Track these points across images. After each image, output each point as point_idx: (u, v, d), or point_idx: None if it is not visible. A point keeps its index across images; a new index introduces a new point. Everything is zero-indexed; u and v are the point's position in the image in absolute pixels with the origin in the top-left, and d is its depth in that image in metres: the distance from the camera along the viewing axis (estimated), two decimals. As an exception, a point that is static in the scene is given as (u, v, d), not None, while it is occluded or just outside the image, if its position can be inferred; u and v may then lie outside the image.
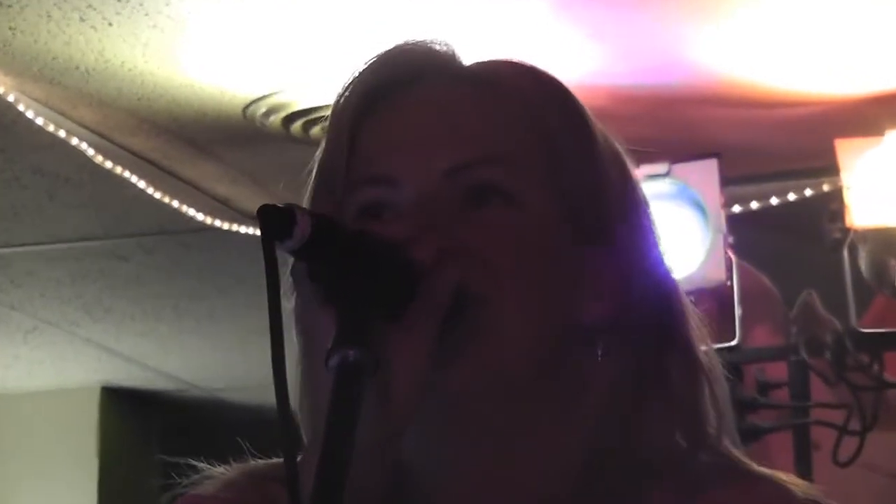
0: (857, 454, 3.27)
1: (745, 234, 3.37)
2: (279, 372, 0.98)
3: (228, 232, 4.01)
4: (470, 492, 1.11)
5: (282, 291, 1.01)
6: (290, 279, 1.07)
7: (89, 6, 3.03)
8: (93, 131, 3.63)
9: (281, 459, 0.98)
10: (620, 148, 1.18)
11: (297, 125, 3.55)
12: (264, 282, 0.99)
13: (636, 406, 1.13)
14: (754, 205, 3.59)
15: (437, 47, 1.17)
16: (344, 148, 1.14)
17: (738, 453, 1.16)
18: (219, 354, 5.54)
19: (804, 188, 3.56)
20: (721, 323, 3.15)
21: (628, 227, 1.15)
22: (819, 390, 3.37)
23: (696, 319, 1.17)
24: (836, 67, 3.31)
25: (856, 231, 3.32)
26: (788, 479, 1.14)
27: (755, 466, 1.15)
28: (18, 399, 5.93)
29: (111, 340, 5.33)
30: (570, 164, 1.14)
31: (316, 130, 3.54)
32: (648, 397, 1.13)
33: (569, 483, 1.12)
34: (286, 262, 1.04)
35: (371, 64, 1.16)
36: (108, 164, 3.70)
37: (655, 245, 1.17)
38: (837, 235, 3.33)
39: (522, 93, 1.15)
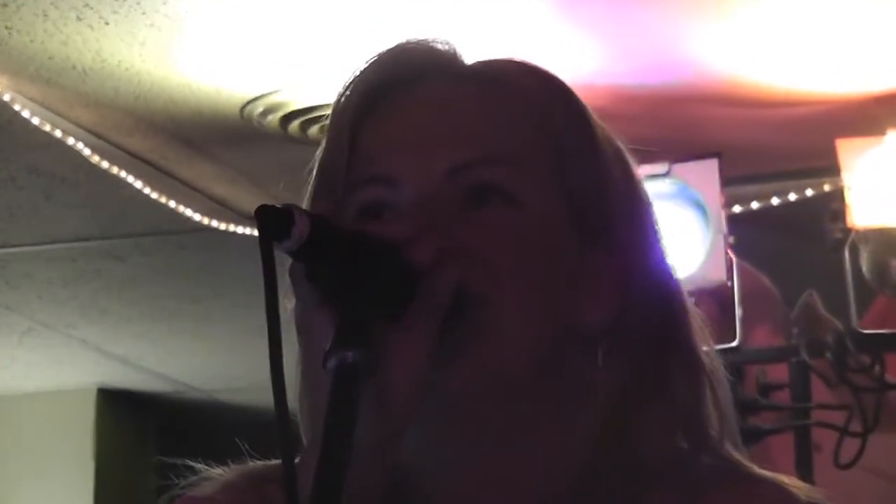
0: (859, 456, 3.26)
1: (745, 234, 3.37)
2: (277, 373, 0.98)
3: (226, 232, 4.00)
4: (470, 492, 1.11)
5: (280, 292, 1.00)
6: (289, 280, 1.06)
7: (86, 5, 3.02)
8: (89, 131, 3.63)
9: (280, 461, 0.98)
10: (623, 148, 1.18)
11: (294, 125, 3.55)
12: (262, 283, 0.98)
13: (637, 408, 1.12)
14: (755, 205, 3.59)
15: (439, 46, 1.17)
16: (344, 147, 1.14)
17: (739, 456, 1.15)
18: (216, 356, 5.55)
19: (805, 188, 3.56)
20: (721, 324, 3.15)
21: (631, 229, 1.15)
22: (820, 391, 3.37)
23: (698, 321, 1.16)
24: (837, 67, 3.31)
25: (857, 231, 3.32)
26: (791, 482, 1.14)
27: (757, 469, 1.14)
28: (14, 401, 5.94)
29: (107, 342, 5.33)
30: (574, 164, 1.14)
31: (314, 130, 3.54)
32: (650, 400, 1.13)
33: (569, 483, 1.11)
34: (284, 262, 1.04)
35: (372, 63, 1.16)
36: (105, 165, 3.70)
37: (658, 246, 1.17)
38: (838, 235, 3.33)
39: (526, 92, 1.15)
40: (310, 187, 1.16)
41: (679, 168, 3.23)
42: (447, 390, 1.06)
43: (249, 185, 3.95)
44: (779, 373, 3.41)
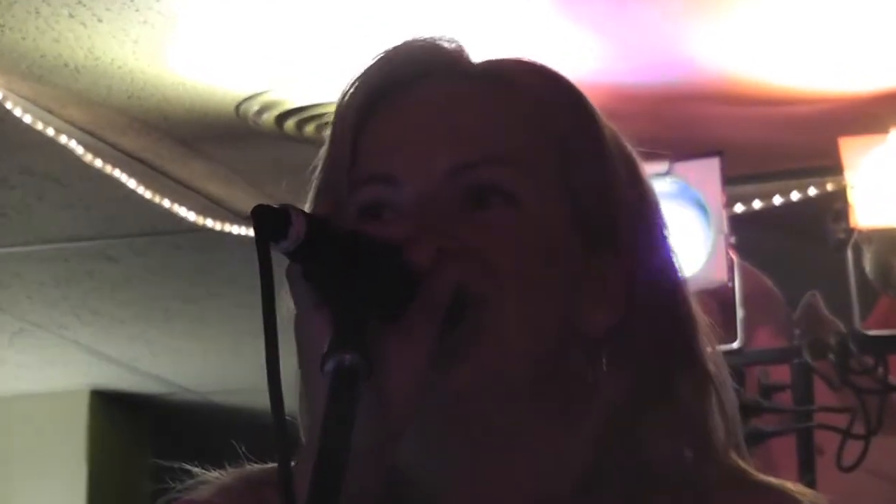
0: (862, 459, 3.24)
1: (747, 234, 3.37)
2: (273, 375, 0.98)
3: (221, 232, 4.00)
4: (470, 492, 1.11)
5: (276, 293, 1.00)
6: (286, 281, 1.06)
7: (78, 2, 3.02)
8: (82, 130, 3.62)
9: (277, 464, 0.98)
10: (632, 150, 1.18)
11: (290, 123, 3.54)
12: (258, 283, 0.98)
13: (642, 411, 1.12)
14: (757, 204, 3.59)
15: (445, 44, 1.17)
16: (347, 147, 1.14)
17: (745, 464, 1.15)
18: (211, 357, 5.55)
19: (808, 187, 3.56)
20: (723, 325, 3.12)
21: (637, 231, 1.15)
22: (822, 393, 3.35)
23: (704, 324, 1.16)
24: (840, 64, 3.30)
25: (860, 231, 3.31)
26: (796, 488, 1.14)
27: (763, 477, 1.15)
28: (5, 403, 5.94)
29: (100, 343, 5.34)
30: (579, 165, 1.13)
31: (310, 128, 3.54)
32: (655, 403, 1.13)
33: (572, 485, 1.11)
34: (282, 263, 1.03)
35: (377, 61, 1.17)
36: (98, 164, 3.69)
37: (665, 248, 1.17)
38: (841, 236, 3.33)
39: (532, 92, 1.15)
40: (313, 187, 1.17)
41: (680, 167, 3.22)
42: (447, 391, 1.06)
43: (245, 185, 3.95)
44: (781, 374, 3.39)
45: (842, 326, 3.33)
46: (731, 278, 3.23)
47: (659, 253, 1.16)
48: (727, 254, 3.22)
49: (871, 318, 3.40)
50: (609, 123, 1.17)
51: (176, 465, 1.18)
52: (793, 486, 1.14)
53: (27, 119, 3.50)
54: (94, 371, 5.66)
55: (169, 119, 3.57)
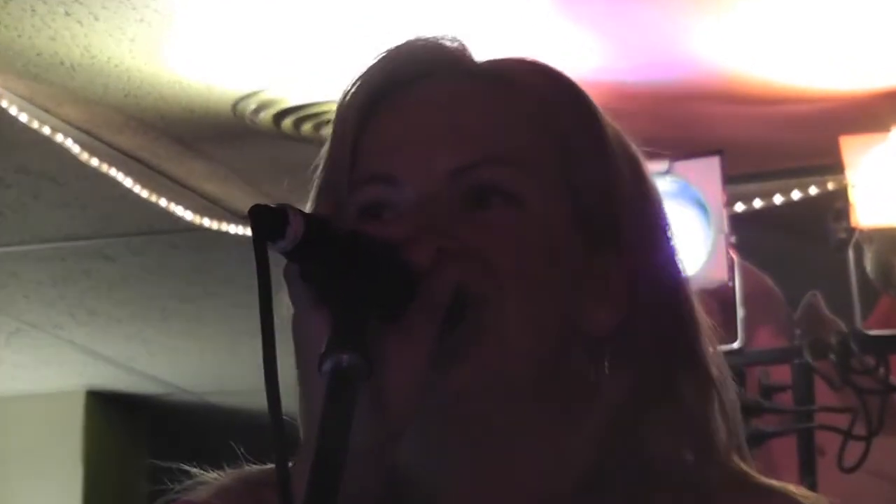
0: (863, 459, 3.24)
1: (747, 233, 3.37)
2: (271, 375, 0.98)
3: (218, 232, 4.01)
4: (470, 493, 1.11)
5: (274, 293, 1.00)
6: (284, 280, 1.06)
7: (75, 0, 3.01)
8: (78, 129, 3.62)
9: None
10: (635, 148, 1.18)
11: (287, 122, 3.54)
12: (255, 283, 0.98)
13: (644, 415, 1.12)
14: (757, 203, 3.59)
15: (447, 43, 1.18)
16: (347, 147, 1.14)
17: (747, 466, 1.15)
18: (208, 357, 5.55)
19: (808, 186, 3.56)
20: (723, 325, 3.11)
21: (640, 230, 1.15)
22: (823, 394, 3.35)
23: (706, 324, 1.16)
24: (840, 63, 3.30)
25: (861, 230, 3.31)
26: (799, 491, 1.14)
27: (765, 479, 1.14)
28: (0, 403, 5.92)
29: (96, 343, 5.34)
30: (580, 164, 1.13)
31: (307, 127, 3.54)
32: (657, 403, 1.12)
33: (574, 485, 1.11)
34: (279, 262, 1.03)
35: (379, 60, 1.17)
36: (94, 163, 3.69)
37: (668, 248, 1.17)
38: (842, 235, 3.33)
39: (534, 91, 1.15)
40: (314, 186, 1.17)
41: (680, 166, 3.22)
42: (447, 391, 1.06)
43: (242, 184, 3.95)
44: (781, 374, 3.38)
45: (843, 326, 3.32)
46: (732, 278, 3.23)
47: (661, 252, 1.16)
48: (727, 253, 3.22)
49: (873, 317, 3.40)
50: (612, 122, 1.17)
51: (173, 465, 1.18)
52: (795, 489, 1.14)
53: (23, 118, 3.50)
54: (90, 371, 5.67)
55: (166, 118, 3.57)
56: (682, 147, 3.22)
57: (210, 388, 5.96)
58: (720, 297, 3.18)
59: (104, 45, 3.19)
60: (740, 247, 3.29)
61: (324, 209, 1.08)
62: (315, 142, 3.47)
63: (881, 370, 3.29)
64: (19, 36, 3.15)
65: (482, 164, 1.11)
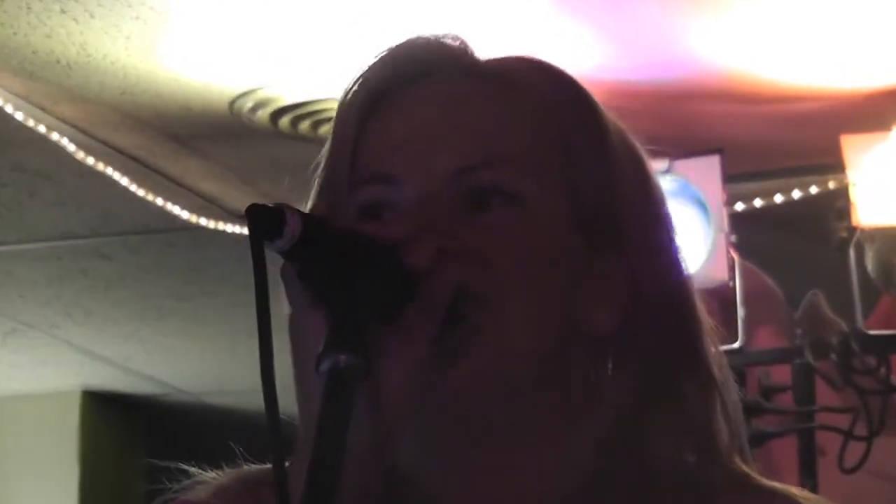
0: (864, 460, 3.23)
1: (748, 232, 3.36)
2: (267, 375, 0.98)
3: (215, 231, 4.00)
4: (470, 493, 1.11)
5: (271, 292, 1.00)
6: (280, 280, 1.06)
7: (70, -3, 3.02)
8: (74, 127, 3.62)
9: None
10: (639, 147, 1.18)
11: (285, 120, 3.53)
12: (252, 282, 0.98)
13: (646, 415, 1.12)
14: (758, 202, 3.58)
15: (449, 42, 1.17)
16: (348, 146, 1.15)
17: (748, 468, 1.15)
18: (205, 357, 5.56)
19: (809, 185, 3.55)
20: (723, 324, 3.11)
21: (642, 229, 1.15)
22: (824, 394, 3.34)
23: (708, 324, 1.16)
24: (841, 62, 3.30)
25: (862, 230, 3.31)
26: (801, 493, 1.14)
27: (767, 481, 1.14)
28: (-5, 403, 5.94)
29: (93, 343, 5.35)
30: (582, 163, 1.13)
31: (305, 125, 3.53)
32: (659, 407, 1.12)
33: (575, 486, 1.11)
34: (277, 262, 1.03)
35: (380, 58, 1.17)
36: (90, 161, 3.69)
37: (671, 247, 1.16)
38: (843, 234, 3.33)
39: (535, 90, 1.15)
40: (315, 186, 1.17)
41: (680, 165, 3.21)
42: (447, 391, 1.06)
43: (239, 182, 3.95)
44: (782, 375, 3.38)
45: (844, 326, 3.31)
46: (732, 277, 3.23)
47: (664, 251, 1.16)
48: (728, 252, 3.21)
49: (874, 317, 3.40)
50: (615, 121, 1.17)
51: (171, 464, 1.18)
52: (797, 491, 1.14)
53: (19, 116, 3.49)
54: (86, 371, 5.67)
55: (162, 116, 3.57)
56: (682, 146, 3.22)
57: (207, 387, 5.96)
58: (720, 297, 3.18)
59: (100, 42, 3.19)
60: (741, 246, 3.29)
61: (321, 209, 1.08)
62: (313, 140, 3.47)
63: (882, 370, 3.29)
64: (15, 33, 3.15)
65: (483, 164, 1.11)
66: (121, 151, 3.75)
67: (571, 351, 1.11)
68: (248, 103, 3.47)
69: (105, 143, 3.70)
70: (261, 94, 3.43)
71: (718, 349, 1.16)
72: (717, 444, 1.13)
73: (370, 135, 1.14)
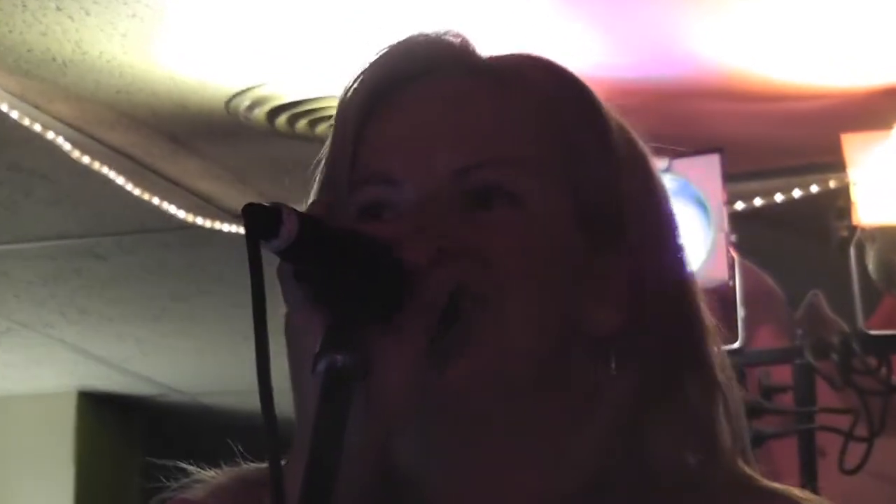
0: (864, 461, 3.24)
1: (748, 231, 3.37)
2: (264, 376, 0.97)
3: (211, 230, 4.00)
4: (470, 493, 1.11)
5: (267, 292, 0.99)
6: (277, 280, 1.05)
7: (66, -5, 3.02)
8: (70, 126, 3.61)
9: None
10: (642, 145, 1.18)
11: (282, 119, 3.53)
12: (248, 282, 0.98)
13: (648, 415, 1.12)
14: (758, 201, 3.58)
15: (450, 39, 1.17)
16: (348, 145, 1.14)
17: (750, 469, 1.15)
18: (201, 357, 5.56)
19: (809, 184, 3.55)
20: (723, 324, 3.10)
21: (644, 228, 1.15)
22: (825, 394, 3.35)
23: (711, 324, 1.16)
24: (842, 60, 3.29)
25: (863, 229, 3.31)
26: (803, 495, 1.14)
27: (768, 482, 1.14)
28: (-10, 403, 5.95)
29: (88, 343, 5.35)
30: (584, 162, 1.13)
31: (302, 124, 3.52)
32: (661, 407, 1.12)
33: (575, 486, 1.11)
34: (273, 262, 1.03)
35: (381, 56, 1.16)
36: (86, 160, 3.68)
37: (674, 247, 1.16)
38: (844, 234, 3.34)
39: (537, 87, 1.15)
40: (315, 185, 1.17)
41: (680, 164, 3.21)
42: (447, 390, 1.06)
43: (235, 182, 3.95)
44: (782, 375, 3.39)
45: (844, 326, 3.32)
46: (732, 277, 3.23)
47: (667, 250, 1.15)
48: (728, 252, 3.21)
49: (875, 317, 3.40)
50: (618, 118, 1.16)
51: (171, 463, 1.18)
52: (799, 492, 1.14)
53: (14, 115, 3.49)
54: (81, 371, 5.68)
55: (158, 114, 3.56)
56: (681, 144, 3.21)
57: (204, 388, 5.97)
58: (720, 297, 3.17)
59: (95, 40, 3.18)
60: (741, 245, 3.29)
61: (319, 208, 1.07)
62: (310, 139, 3.47)
63: (883, 371, 3.29)
64: (10, 31, 3.14)
65: (484, 164, 1.10)
66: (116, 150, 3.75)
67: (572, 351, 1.10)
68: (245, 102, 3.46)
69: (101, 141, 3.70)
70: (257, 93, 3.43)
71: (721, 349, 1.15)
72: (719, 444, 1.12)
73: (370, 134, 1.14)
